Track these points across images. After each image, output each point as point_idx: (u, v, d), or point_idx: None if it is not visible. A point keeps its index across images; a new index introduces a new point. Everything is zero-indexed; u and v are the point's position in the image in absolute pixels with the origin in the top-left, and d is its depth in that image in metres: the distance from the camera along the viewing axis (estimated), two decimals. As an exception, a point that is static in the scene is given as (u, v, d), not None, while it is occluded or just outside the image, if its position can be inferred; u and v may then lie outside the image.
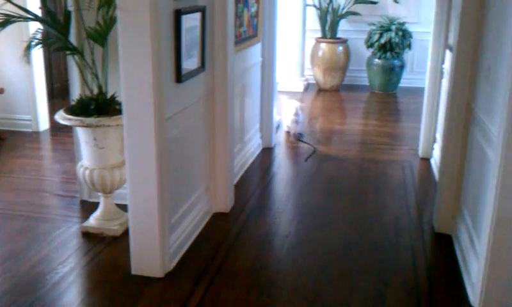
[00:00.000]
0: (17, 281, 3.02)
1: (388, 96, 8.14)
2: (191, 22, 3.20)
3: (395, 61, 8.12)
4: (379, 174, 4.82)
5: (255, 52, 4.99)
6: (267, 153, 5.35)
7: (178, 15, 2.99)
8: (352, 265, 3.24)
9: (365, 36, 8.31)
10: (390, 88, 8.31)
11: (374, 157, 5.28)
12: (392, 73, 8.18)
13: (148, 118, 2.81)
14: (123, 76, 2.81)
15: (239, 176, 4.59)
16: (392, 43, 7.92)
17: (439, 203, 3.64)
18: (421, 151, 5.24)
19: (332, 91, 8.44)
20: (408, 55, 8.43)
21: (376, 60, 8.17)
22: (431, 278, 3.12)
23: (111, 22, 3.26)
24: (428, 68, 5.04)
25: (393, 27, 7.93)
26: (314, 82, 8.72)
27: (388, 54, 8.03)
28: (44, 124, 6.12)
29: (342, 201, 4.22)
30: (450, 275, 3.15)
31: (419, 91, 6.56)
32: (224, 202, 3.93)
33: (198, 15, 3.30)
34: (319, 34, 8.53)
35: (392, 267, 3.23)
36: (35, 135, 5.93)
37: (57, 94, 7.38)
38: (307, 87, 8.64)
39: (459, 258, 3.27)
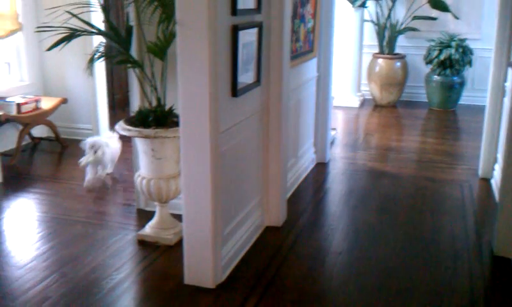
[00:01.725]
0: (74, 285, 3.12)
1: (447, 114, 7.94)
2: (247, 37, 3.24)
3: (455, 78, 7.93)
4: (437, 194, 4.69)
5: (310, 67, 5.00)
6: (321, 168, 5.33)
7: (235, 30, 3.04)
8: (406, 285, 3.17)
9: (423, 52, 8.15)
10: (449, 105, 8.11)
11: (431, 176, 5.15)
12: (451, 90, 7.98)
13: (203, 130, 2.86)
14: (180, 89, 2.88)
15: (292, 191, 4.58)
16: (452, 60, 7.73)
17: (499, 225, 3.51)
18: (481, 171, 5.07)
19: (389, 107, 8.32)
20: (468, 72, 8.20)
21: (435, 77, 8.00)
22: (489, 302, 3.00)
23: (170, 37, 3.34)
24: (489, 86, 4.88)
25: (454, 44, 7.74)
26: (370, 97, 8.62)
27: (448, 71, 7.84)
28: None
29: (397, 220, 4.14)
30: (509, 300, 3.02)
31: (480, 109, 6.38)
32: (277, 216, 3.93)
33: (254, 31, 3.34)
34: (376, 50, 8.44)
35: (448, 288, 3.13)
36: (96, 144, 6.13)
37: (118, 105, 7.61)
38: (363, 102, 8.55)
39: (520, 283, 3.15)
